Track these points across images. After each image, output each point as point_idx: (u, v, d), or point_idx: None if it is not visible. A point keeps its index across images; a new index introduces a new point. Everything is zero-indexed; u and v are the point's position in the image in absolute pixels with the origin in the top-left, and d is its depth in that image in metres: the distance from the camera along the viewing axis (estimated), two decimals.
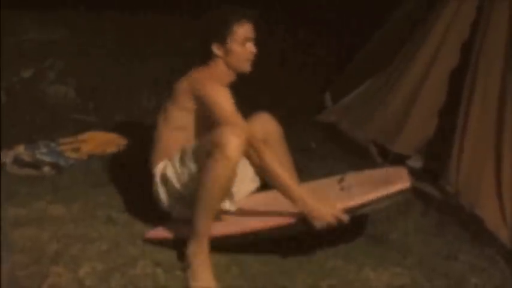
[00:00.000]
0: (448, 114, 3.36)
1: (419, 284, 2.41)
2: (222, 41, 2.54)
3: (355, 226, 2.76)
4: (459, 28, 3.43)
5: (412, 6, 4.02)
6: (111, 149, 3.42)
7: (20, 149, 3.22)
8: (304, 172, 3.32)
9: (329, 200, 2.47)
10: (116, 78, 4.34)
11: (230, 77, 2.61)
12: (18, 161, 3.15)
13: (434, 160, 3.36)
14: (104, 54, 4.45)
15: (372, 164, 3.49)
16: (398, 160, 3.46)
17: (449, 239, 2.78)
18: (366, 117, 3.73)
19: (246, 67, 2.61)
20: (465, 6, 3.41)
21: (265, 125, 2.78)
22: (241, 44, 2.55)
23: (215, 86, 2.49)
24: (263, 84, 4.34)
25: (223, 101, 2.45)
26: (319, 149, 3.65)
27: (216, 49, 2.55)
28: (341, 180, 2.79)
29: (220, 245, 2.39)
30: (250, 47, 2.57)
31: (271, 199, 2.63)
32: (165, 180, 2.52)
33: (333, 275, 2.41)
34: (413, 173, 3.40)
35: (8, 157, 3.16)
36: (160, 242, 2.48)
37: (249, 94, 4.18)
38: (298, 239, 2.61)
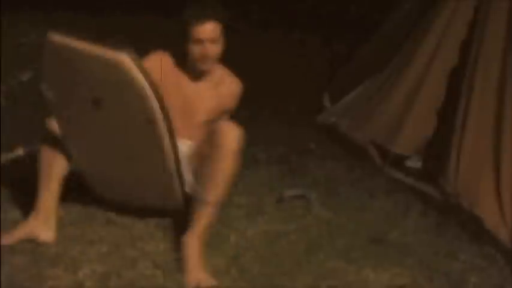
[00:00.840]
0: (446, 114, 3.36)
1: (419, 284, 2.41)
2: (185, 38, 2.60)
3: (354, 226, 2.79)
4: (457, 27, 3.44)
5: (411, 6, 4.03)
6: None
7: (19, 152, 3.22)
8: (303, 173, 3.34)
9: None
10: None
11: (193, 71, 2.66)
12: (17, 163, 3.15)
13: (434, 160, 3.37)
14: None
15: (371, 165, 3.50)
16: (398, 160, 3.47)
17: (449, 238, 2.78)
18: (365, 117, 3.74)
19: (199, 66, 2.64)
20: (463, 5, 3.42)
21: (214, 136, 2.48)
22: (195, 44, 2.57)
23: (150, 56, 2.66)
24: (262, 85, 4.35)
25: None
26: (318, 150, 3.65)
27: (184, 44, 2.63)
28: None
29: None
30: (202, 49, 2.58)
31: None
32: None
33: (333, 275, 2.40)
34: (413, 173, 3.43)
35: (7, 159, 3.15)
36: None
37: (248, 95, 4.21)
38: (296, 240, 2.63)
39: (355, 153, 3.61)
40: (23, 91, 4.10)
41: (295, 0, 5.50)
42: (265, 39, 5.11)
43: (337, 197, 3.08)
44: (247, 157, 3.39)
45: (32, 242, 2.44)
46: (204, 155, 2.49)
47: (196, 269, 2.30)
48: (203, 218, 2.40)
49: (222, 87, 2.72)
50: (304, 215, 2.86)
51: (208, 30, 2.57)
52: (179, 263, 2.36)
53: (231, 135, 2.45)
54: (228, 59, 4.67)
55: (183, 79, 2.69)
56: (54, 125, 2.58)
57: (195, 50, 2.59)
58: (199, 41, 2.57)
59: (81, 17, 4.90)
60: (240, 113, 3.96)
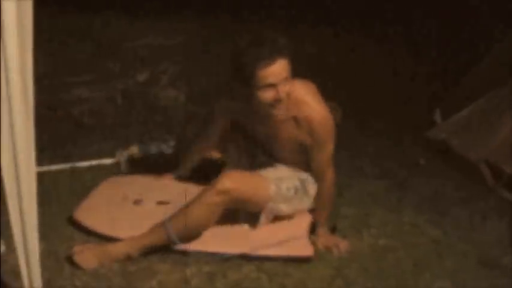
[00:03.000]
0: None
1: None
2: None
3: (464, 247, 2.68)
4: None
5: None
6: (217, 154, 3.47)
7: (134, 150, 3.35)
8: (411, 189, 3.26)
9: None
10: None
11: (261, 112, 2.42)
12: (131, 161, 3.28)
13: None
14: (217, 61, 4.54)
15: (483, 185, 3.36)
16: None
17: None
18: (479, 136, 3.59)
19: (271, 112, 2.36)
20: None
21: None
22: (263, 89, 2.29)
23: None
24: (372, 97, 4.29)
25: None
26: (428, 166, 3.54)
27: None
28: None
29: None
30: (273, 93, 2.28)
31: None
32: None
33: None
34: None
35: (122, 156, 3.29)
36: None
37: (358, 106, 4.18)
38: (402, 256, 2.56)
39: (466, 171, 3.47)
40: (138, 91, 4.26)
41: (410, 9, 5.37)
42: (379, 52, 5.04)
43: (446, 215, 2.97)
44: (354, 169, 3.39)
45: None
46: None
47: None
48: None
49: (299, 114, 2.44)
50: (412, 232, 2.78)
51: (280, 70, 2.26)
52: (284, 268, 2.38)
53: (223, 180, 2.37)
54: (340, 71, 4.69)
55: (256, 119, 2.50)
56: None
57: (266, 96, 2.29)
58: (268, 86, 2.27)
59: (198, 20, 5.03)
60: (349, 124, 3.96)
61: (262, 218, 2.52)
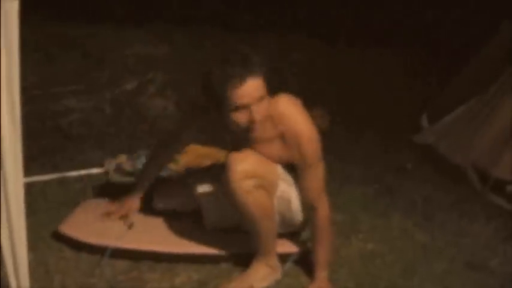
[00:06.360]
0: None
1: None
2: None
3: (452, 251, 2.70)
4: None
5: None
6: (208, 162, 3.48)
7: (122, 159, 3.35)
8: (398, 193, 3.28)
9: None
10: None
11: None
12: (120, 170, 3.28)
13: None
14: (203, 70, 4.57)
15: (470, 189, 3.39)
16: (499, 185, 3.35)
17: None
18: (466, 140, 3.63)
19: (246, 134, 2.20)
20: None
21: None
22: (235, 111, 2.12)
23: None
24: (360, 103, 4.33)
25: None
26: (415, 171, 3.56)
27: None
28: None
29: None
30: (246, 115, 2.12)
31: None
32: None
33: None
34: None
35: (111, 165, 3.29)
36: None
37: (345, 112, 4.20)
38: (391, 261, 2.58)
39: (453, 175, 3.50)
40: (127, 100, 4.27)
41: (398, 15, 5.43)
42: (365, 57, 5.08)
43: (434, 220, 2.99)
44: (342, 174, 3.40)
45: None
46: None
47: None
48: None
49: (286, 131, 2.26)
50: (400, 236, 2.80)
51: (251, 91, 2.09)
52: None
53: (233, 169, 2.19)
54: (328, 78, 4.73)
55: (236, 139, 2.28)
56: None
57: (239, 118, 2.13)
58: (239, 107, 2.11)
59: (185, 30, 5.05)
60: (336, 130, 3.98)
61: None
